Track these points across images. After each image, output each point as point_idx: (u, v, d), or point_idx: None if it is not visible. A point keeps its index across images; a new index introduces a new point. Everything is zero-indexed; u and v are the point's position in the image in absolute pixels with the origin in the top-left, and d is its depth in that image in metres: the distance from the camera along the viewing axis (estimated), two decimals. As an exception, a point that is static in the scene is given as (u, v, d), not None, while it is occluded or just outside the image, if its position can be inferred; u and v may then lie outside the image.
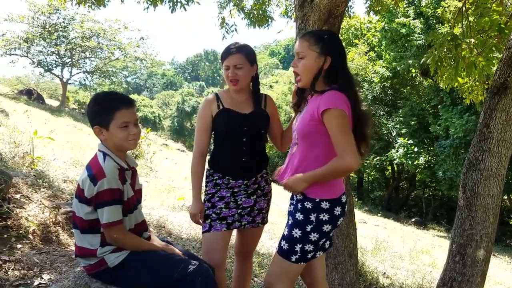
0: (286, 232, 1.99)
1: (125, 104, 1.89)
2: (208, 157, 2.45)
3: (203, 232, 2.30)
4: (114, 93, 1.98)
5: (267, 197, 2.42)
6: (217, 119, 2.31)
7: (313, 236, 1.91)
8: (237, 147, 2.30)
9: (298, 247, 1.93)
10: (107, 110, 1.86)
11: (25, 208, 3.07)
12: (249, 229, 2.39)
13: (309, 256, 1.96)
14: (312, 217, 1.91)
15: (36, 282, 2.29)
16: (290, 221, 2.00)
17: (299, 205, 1.96)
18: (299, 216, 1.94)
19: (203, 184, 2.40)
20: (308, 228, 1.91)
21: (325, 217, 1.91)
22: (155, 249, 1.97)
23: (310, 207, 1.92)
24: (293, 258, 1.95)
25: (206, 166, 2.41)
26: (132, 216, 1.97)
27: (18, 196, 3.19)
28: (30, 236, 2.83)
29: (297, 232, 1.93)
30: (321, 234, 1.93)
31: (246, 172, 2.32)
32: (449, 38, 3.77)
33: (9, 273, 2.33)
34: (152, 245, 1.99)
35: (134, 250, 1.91)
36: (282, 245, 1.99)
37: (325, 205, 1.91)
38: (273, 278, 2.01)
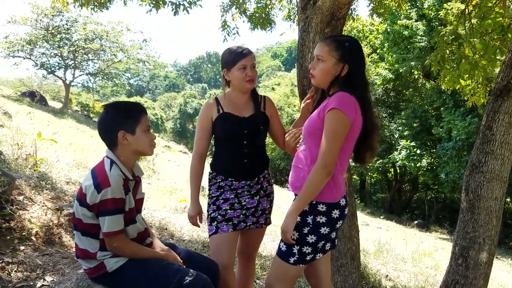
0: None
1: (144, 110, 1.96)
2: (210, 160, 2.45)
3: (210, 235, 2.30)
4: (130, 101, 2.04)
5: (269, 198, 2.43)
6: (217, 123, 2.32)
7: (311, 238, 1.91)
8: (238, 150, 2.31)
9: (295, 249, 1.93)
10: (132, 116, 1.90)
11: (28, 210, 3.07)
12: (252, 230, 2.39)
13: (308, 258, 1.95)
14: (309, 219, 1.90)
15: (38, 284, 2.29)
16: None
17: None
18: (297, 218, 1.94)
19: (207, 187, 2.41)
20: (305, 230, 1.91)
21: (322, 219, 1.91)
22: (157, 256, 1.95)
23: (307, 209, 1.91)
24: (291, 260, 1.94)
25: (209, 169, 2.42)
26: (135, 226, 1.96)
27: (21, 198, 3.20)
28: (33, 238, 2.84)
29: (294, 234, 1.93)
30: (319, 237, 1.92)
31: (248, 173, 2.33)
32: (452, 37, 3.76)
33: (12, 274, 2.34)
34: (153, 252, 1.97)
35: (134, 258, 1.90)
36: (280, 246, 1.99)
37: (321, 207, 1.90)
38: (272, 280, 2.02)
